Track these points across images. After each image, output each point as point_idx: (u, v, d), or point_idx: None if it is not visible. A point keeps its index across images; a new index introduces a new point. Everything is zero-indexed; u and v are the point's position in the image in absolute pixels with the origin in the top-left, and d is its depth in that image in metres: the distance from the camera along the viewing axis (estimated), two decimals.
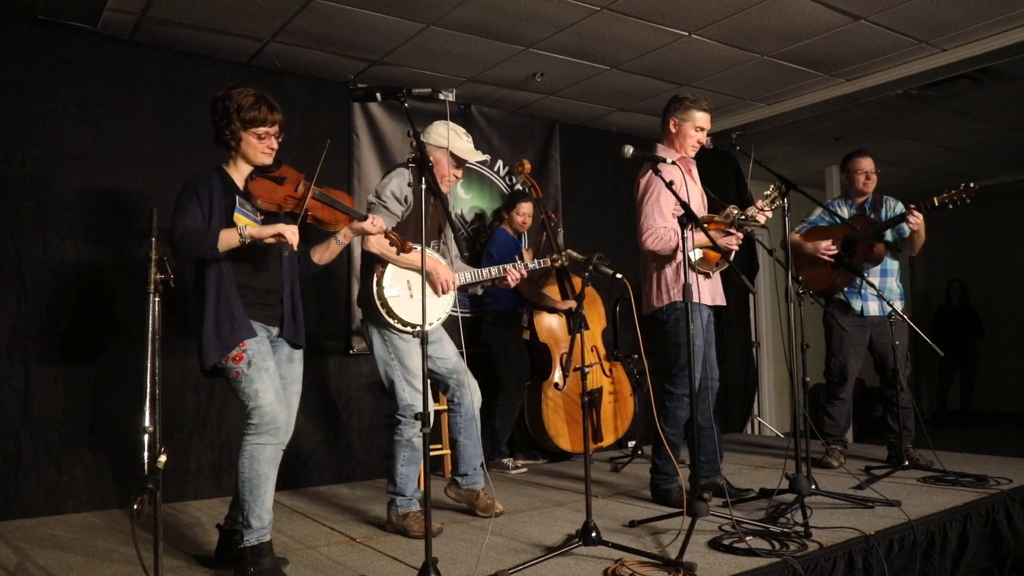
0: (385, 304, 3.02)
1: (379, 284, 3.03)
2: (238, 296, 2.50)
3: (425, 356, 2.37)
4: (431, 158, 3.00)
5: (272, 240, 2.43)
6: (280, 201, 2.59)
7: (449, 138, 3.11)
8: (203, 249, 2.40)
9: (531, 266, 3.34)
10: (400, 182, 3.08)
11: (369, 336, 3.16)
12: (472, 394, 3.29)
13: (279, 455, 2.57)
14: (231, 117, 2.53)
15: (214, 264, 2.46)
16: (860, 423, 6.14)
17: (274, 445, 2.51)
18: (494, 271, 3.29)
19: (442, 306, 3.18)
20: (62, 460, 3.61)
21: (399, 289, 3.06)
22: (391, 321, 3.03)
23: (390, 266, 3.04)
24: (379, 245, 2.97)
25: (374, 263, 3.07)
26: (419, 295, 3.03)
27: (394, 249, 2.79)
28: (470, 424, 3.30)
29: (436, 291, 3.12)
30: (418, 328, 3.00)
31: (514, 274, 3.25)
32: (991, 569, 3.24)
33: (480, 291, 3.42)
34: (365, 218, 2.71)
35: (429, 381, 3.02)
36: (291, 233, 2.42)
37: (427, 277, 3.06)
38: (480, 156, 3.27)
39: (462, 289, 3.33)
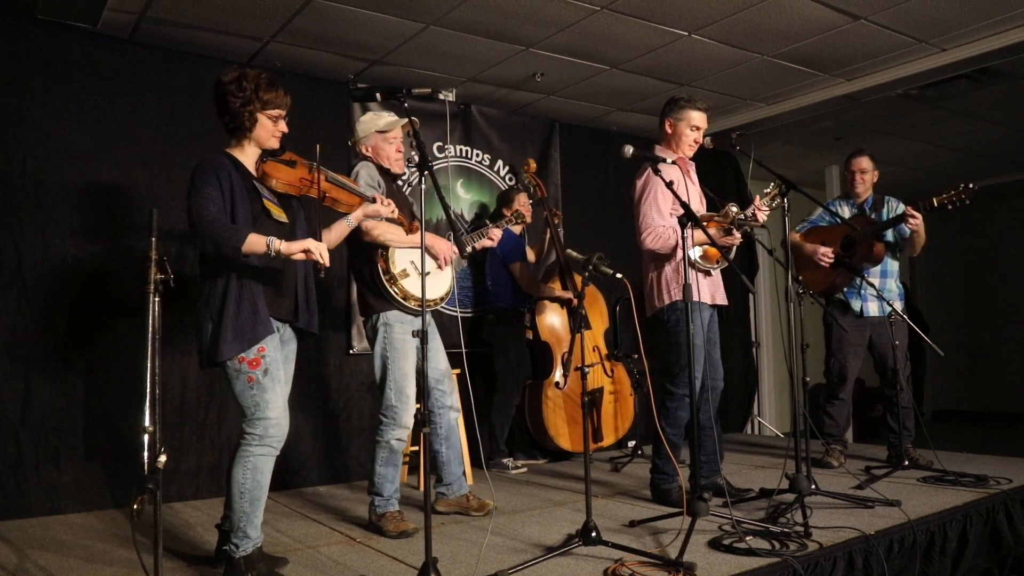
0: (396, 283, 3.06)
1: (387, 265, 3.08)
2: (261, 289, 2.44)
3: (425, 356, 2.38)
4: (367, 149, 3.24)
5: (301, 256, 2.38)
6: (298, 183, 2.58)
7: (369, 123, 3.23)
8: (226, 247, 2.30)
9: (503, 224, 3.71)
10: (369, 170, 3.16)
11: (371, 333, 3.18)
12: (450, 410, 3.32)
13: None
14: (250, 97, 2.49)
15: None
16: (860, 423, 6.13)
17: (274, 456, 2.50)
18: (475, 235, 3.51)
19: (446, 281, 3.27)
20: (62, 460, 3.61)
21: (408, 269, 3.13)
22: (406, 303, 3.07)
23: (392, 249, 3.10)
24: (381, 229, 3.03)
25: (372, 252, 3.10)
26: (425, 273, 3.12)
27: (400, 231, 3.03)
28: (451, 435, 3.34)
29: (439, 263, 3.23)
30: (432, 303, 3.18)
31: (496, 233, 3.55)
32: (991, 569, 3.24)
33: (464, 261, 3.56)
34: (375, 200, 2.77)
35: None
36: (323, 251, 2.38)
37: (428, 250, 3.19)
38: (402, 120, 3.19)
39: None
